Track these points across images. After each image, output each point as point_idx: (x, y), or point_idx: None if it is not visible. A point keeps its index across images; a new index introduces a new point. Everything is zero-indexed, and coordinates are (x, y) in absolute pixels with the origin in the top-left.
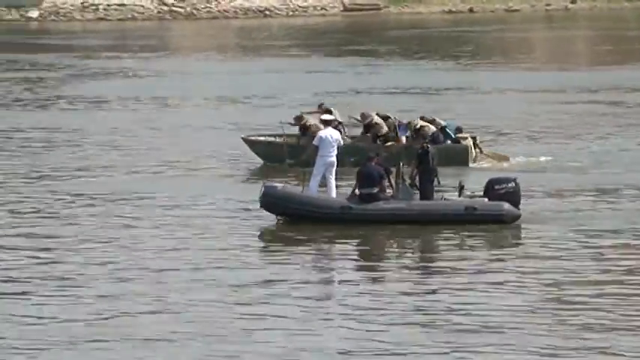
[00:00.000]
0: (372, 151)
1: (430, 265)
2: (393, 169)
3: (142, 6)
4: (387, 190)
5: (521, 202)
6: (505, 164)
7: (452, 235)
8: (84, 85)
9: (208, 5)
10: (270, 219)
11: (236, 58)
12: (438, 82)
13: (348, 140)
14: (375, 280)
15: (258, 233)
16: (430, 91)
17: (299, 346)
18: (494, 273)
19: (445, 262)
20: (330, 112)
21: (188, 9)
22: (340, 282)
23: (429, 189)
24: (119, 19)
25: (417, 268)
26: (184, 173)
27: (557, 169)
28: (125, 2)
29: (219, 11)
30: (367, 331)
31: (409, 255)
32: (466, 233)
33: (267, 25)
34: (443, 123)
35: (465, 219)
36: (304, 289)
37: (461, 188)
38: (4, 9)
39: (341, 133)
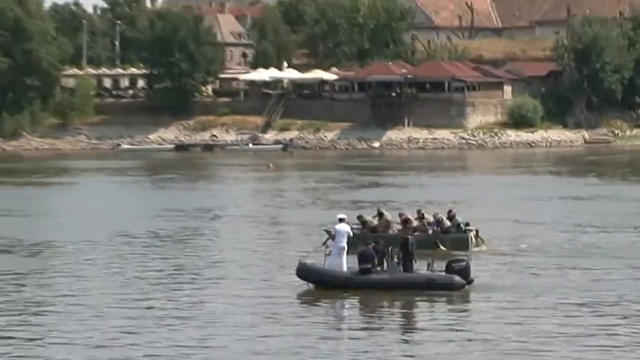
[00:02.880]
0: (369, 239)
1: (404, 324)
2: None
3: (449, 139)
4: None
5: (489, 274)
6: (493, 248)
7: (419, 297)
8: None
9: (492, 138)
10: (304, 286)
11: (510, 175)
12: None
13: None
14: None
15: (295, 295)
16: None
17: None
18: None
19: (406, 318)
20: (381, 214)
21: (479, 141)
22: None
23: (408, 266)
24: (433, 148)
25: (395, 327)
26: None
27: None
28: (437, 137)
29: (500, 143)
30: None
31: (386, 314)
32: (426, 297)
33: (533, 153)
34: (438, 217)
35: (428, 287)
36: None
37: (428, 265)
38: (357, 140)
39: (390, 229)
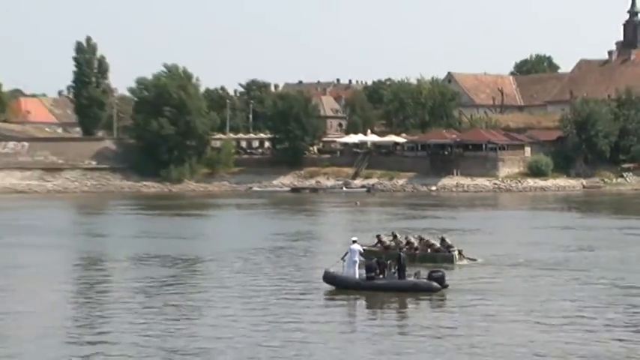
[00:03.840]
0: (373, 254)
1: (397, 322)
2: (389, 263)
3: (485, 185)
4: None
5: (462, 280)
6: (473, 262)
7: (408, 297)
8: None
9: (516, 184)
10: (327, 287)
11: (524, 210)
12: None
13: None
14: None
15: (323, 293)
16: None
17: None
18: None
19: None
20: (395, 236)
21: (507, 186)
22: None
23: (401, 274)
24: (474, 192)
25: (390, 323)
26: None
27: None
28: (477, 183)
29: (522, 188)
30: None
31: (384, 309)
32: (413, 298)
33: (544, 195)
34: (438, 239)
35: (415, 290)
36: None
37: (415, 274)
38: (419, 185)
39: (400, 249)
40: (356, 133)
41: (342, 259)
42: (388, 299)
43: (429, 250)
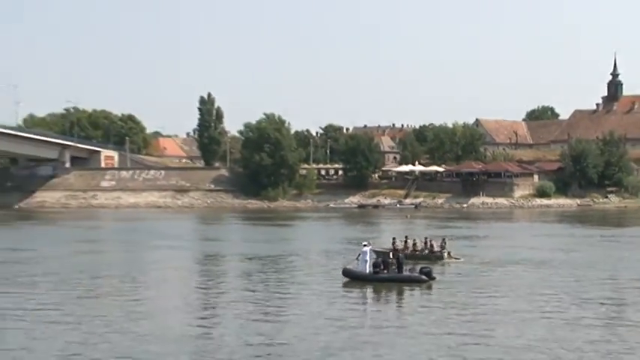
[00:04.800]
0: (380, 254)
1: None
2: (390, 260)
3: (504, 203)
4: (393, 267)
5: (448, 274)
6: (457, 260)
7: (405, 286)
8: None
9: (527, 203)
10: (345, 279)
11: (530, 222)
12: None
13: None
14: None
15: (340, 283)
16: None
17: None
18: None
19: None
20: (406, 240)
21: (520, 205)
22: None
23: (401, 269)
24: (495, 208)
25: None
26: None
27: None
28: (498, 202)
29: (531, 205)
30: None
31: (386, 295)
32: (408, 287)
33: (548, 211)
34: (434, 242)
35: (409, 281)
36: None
37: (410, 269)
38: (455, 204)
39: (408, 250)
40: (407, 164)
41: (357, 258)
42: (389, 288)
43: (426, 251)
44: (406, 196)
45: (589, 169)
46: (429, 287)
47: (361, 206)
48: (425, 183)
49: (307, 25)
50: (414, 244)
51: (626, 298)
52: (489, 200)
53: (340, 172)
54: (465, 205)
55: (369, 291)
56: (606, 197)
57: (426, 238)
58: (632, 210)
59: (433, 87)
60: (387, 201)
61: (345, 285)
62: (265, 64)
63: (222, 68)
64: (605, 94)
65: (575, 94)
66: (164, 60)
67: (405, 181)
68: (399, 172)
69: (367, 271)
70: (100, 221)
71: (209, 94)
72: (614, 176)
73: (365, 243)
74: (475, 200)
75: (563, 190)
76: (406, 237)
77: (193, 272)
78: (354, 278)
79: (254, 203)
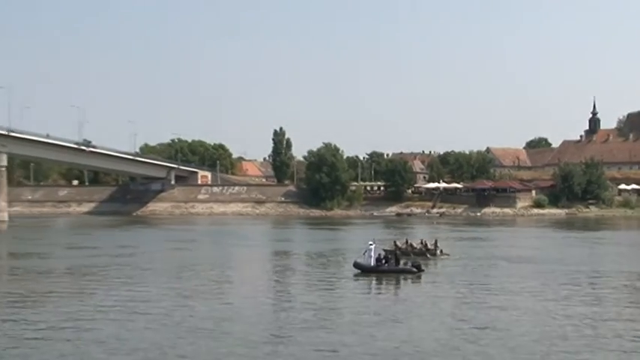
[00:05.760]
0: (384, 250)
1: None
2: (390, 256)
3: (509, 213)
4: (393, 261)
5: (436, 267)
6: (447, 256)
7: (401, 276)
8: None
9: (527, 212)
10: (356, 271)
11: (526, 227)
12: None
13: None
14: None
15: (351, 274)
16: None
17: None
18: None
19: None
20: (407, 241)
21: (521, 214)
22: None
23: (398, 263)
24: (502, 216)
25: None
26: None
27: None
28: (504, 212)
29: (530, 214)
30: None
31: (386, 283)
32: (403, 277)
33: (542, 219)
34: (428, 243)
35: (403, 272)
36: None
37: (405, 263)
38: (470, 213)
39: (412, 248)
40: (433, 182)
41: (364, 254)
42: (388, 277)
43: (423, 249)
44: (433, 207)
45: (574, 186)
46: (419, 277)
47: (398, 214)
48: (447, 196)
49: (345, 78)
50: (412, 244)
51: (584, 285)
52: (497, 210)
53: (382, 188)
54: (478, 214)
55: (372, 280)
56: (588, 208)
57: (422, 240)
58: (607, 218)
59: (453, 122)
60: (418, 210)
61: (355, 276)
62: (324, 105)
63: (293, 107)
64: (587, 128)
65: (564, 128)
66: (246, 101)
67: (431, 195)
68: (427, 188)
69: (372, 264)
70: (197, 225)
71: (280, 128)
72: (594, 192)
73: (370, 242)
74: (486, 210)
75: (554, 202)
76: (407, 239)
77: (268, 263)
78: (361, 270)
79: (315, 212)
